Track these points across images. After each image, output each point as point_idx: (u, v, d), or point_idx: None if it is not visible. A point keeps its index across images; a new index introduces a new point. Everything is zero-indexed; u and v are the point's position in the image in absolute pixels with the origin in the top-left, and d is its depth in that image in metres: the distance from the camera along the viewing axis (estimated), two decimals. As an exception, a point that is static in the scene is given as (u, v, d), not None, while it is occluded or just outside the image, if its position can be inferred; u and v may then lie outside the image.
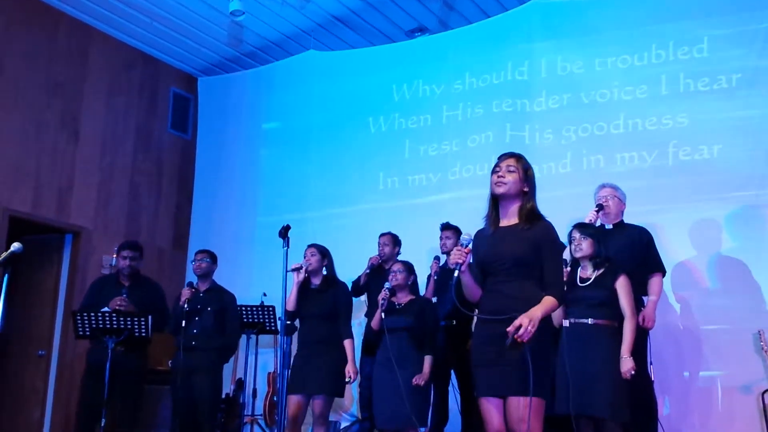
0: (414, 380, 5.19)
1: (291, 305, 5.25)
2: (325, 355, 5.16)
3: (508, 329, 3.15)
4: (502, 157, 3.52)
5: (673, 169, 6.27)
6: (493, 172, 3.49)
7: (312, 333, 5.21)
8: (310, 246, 5.47)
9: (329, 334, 5.24)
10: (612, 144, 6.60)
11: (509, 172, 3.44)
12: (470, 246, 3.37)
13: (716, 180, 6.04)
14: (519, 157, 3.51)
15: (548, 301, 3.28)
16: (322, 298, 5.31)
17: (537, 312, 3.20)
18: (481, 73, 7.44)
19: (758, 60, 6.09)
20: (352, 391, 7.15)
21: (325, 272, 5.41)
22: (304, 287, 5.35)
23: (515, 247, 3.36)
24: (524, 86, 7.18)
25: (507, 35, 7.37)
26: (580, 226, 4.80)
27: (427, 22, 8.12)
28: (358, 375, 5.30)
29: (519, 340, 3.13)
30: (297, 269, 5.25)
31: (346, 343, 5.26)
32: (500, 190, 3.43)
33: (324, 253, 5.45)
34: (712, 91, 6.24)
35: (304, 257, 5.38)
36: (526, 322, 3.14)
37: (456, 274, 3.34)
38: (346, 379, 5.19)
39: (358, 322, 7.22)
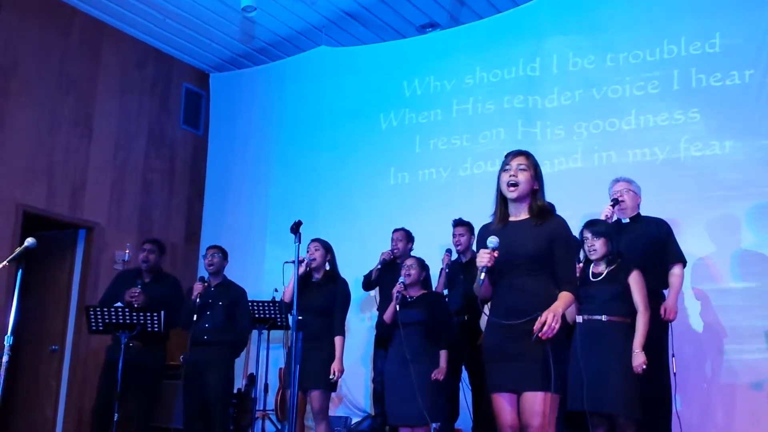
0: (432, 375, 5.18)
1: (288, 296, 5.26)
2: (320, 350, 5.14)
3: (535, 327, 3.14)
4: (512, 156, 3.45)
5: (684, 165, 6.24)
6: (503, 170, 3.43)
7: (308, 327, 5.15)
8: (314, 240, 5.45)
9: (325, 329, 5.23)
10: (623, 140, 6.58)
11: (521, 170, 3.38)
12: (497, 249, 3.29)
13: (728, 176, 6.01)
14: (528, 155, 3.45)
15: (566, 296, 3.27)
16: (321, 293, 5.31)
17: (559, 307, 3.19)
18: (492, 69, 7.43)
19: (771, 55, 6.06)
20: (365, 386, 7.17)
21: (327, 267, 5.41)
22: (305, 280, 5.33)
23: (530, 243, 3.32)
24: (535, 82, 7.16)
25: (518, 31, 7.36)
26: (591, 225, 4.76)
27: (438, 17, 8.11)
28: (343, 372, 5.27)
29: (544, 337, 3.13)
30: (299, 262, 5.23)
31: (337, 339, 5.25)
32: (514, 194, 3.38)
33: (327, 248, 5.45)
34: (724, 87, 6.20)
35: (308, 251, 5.37)
36: (551, 318, 3.13)
37: (482, 276, 3.27)
38: (330, 376, 5.18)
39: (369, 317, 7.26)
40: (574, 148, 6.76)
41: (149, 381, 6.00)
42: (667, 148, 6.35)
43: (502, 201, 3.47)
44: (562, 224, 3.41)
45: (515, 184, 3.37)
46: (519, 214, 3.43)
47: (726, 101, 6.16)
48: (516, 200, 3.41)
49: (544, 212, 3.40)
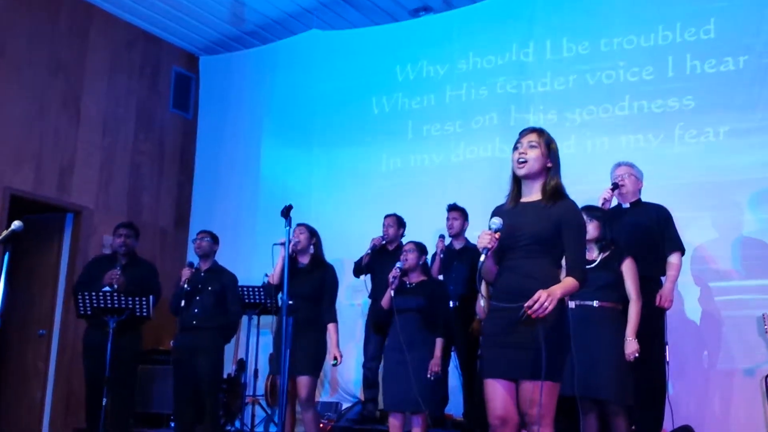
0: (429, 369, 5.13)
1: (275, 279, 5.23)
2: (307, 336, 5.12)
3: (527, 303, 3.02)
4: (523, 133, 3.37)
5: (679, 152, 6.23)
6: (514, 149, 3.34)
7: (295, 312, 5.09)
8: (299, 224, 5.42)
9: (313, 315, 5.22)
10: (617, 126, 6.57)
11: (531, 147, 3.29)
12: (500, 231, 3.20)
13: (723, 163, 6.00)
14: (541, 132, 3.35)
15: (569, 281, 3.15)
16: (309, 278, 5.28)
17: (557, 290, 3.07)
18: (485, 54, 7.39)
19: (765, 41, 6.04)
20: (356, 372, 7.16)
21: (312, 251, 5.38)
22: (291, 266, 5.23)
23: (535, 224, 3.22)
24: (529, 67, 7.14)
25: (512, 15, 7.33)
26: (586, 209, 4.75)
27: (431, 1, 8.04)
28: (343, 356, 5.31)
29: (534, 315, 3.02)
30: (284, 243, 5.18)
31: (331, 327, 5.26)
32: (522, 171, 3.29)
33: (313, 233, 5.43)
34: (719, 73, 6.19)
35: (293, 235, 5.33)
36: (545, 297, 3.01)
37: (482, 258, 3.17)
38: (332, 362, 5.19)
39: (359, 303, 7.23)
40: (567, 133, 6.70)
41: (125, 366, 5.94)
42: (661, 135, 6.34)
43: (515, 181, 3.39)
44: (573, 207, 3.29)
45: (524, 161, 3.29)
46: (532, 194, 3.34)
47: (720, 87, 6.15)
48: (527, 178, 3.33)
49: (557, 193, 3.29)
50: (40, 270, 7.74)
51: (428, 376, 5.10)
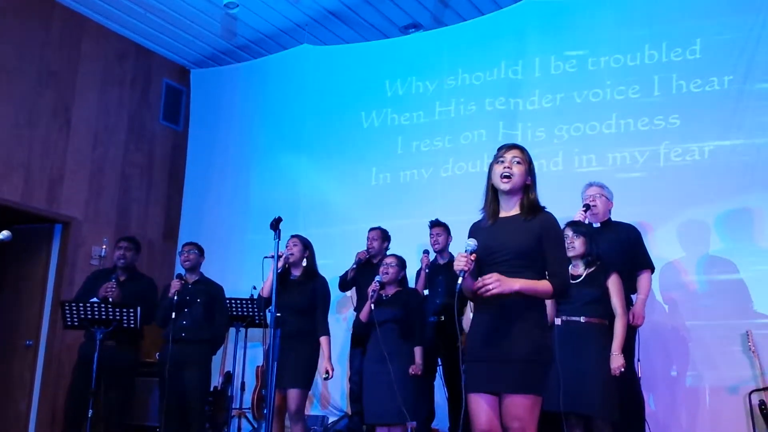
0: (411, 371, 5.19)
1: (266, 292, 5.17)
2: (299, 348, 5.10)
3: (476, 283, 3.11)
4: (506, 148, 3.35)
5: (664, 170, 6.29)
6: (497, 162, 3.32)
7: (287, 325, 5.05)
8: (293, 236, 5.42)
9: (305, 327, 5.19)
10: (604, 144, 6.62)
11: (516, 163, 3.28)
12: (475, 252, 3.15)
13: (707, 181, 6.07)
14: (523, 149, 3.36)
15: (541, 283, 3.15)
16: (301, 290, 5.26)
17: (514, 282, 3.10)
18: (474, 71, 7.46)
19: (750, 62, 6.12)
20: (341, 386, 7.16)
21: (305, 264, 5.36)
22: (283, 278, 5.25)
23: (517, 239, 3.22)
24: (517, 85, 7.19)
25: (501, 33, 7.39)
26: (573, 225, 4.80)
27: (421, 18, 8.12)
28: (334, 370, 5.28)
29: (483, 294, 3.09)
30: (278, 257, 5.15)
31: (323, 339, 5.22)
32: (507, 186, 3.27)
33: (306, 245, 5.41)
34: (704, 93, 6.27)
35: (287, 247, 5.32)
36: (492, 280, 3.07)
37: (459, 281, 3.12)
38: (324, 376, 5.15)
39: (344, 317, 7.24)
40: (555, 150, 6.79)
41: (124, 380, 5.95)
42: (647, 153, 6.40)
43: (493, 196, 3.37)
44: (552, 220, 3.30)
45: (509, 176, 3.27)
46: (510, 209, 3.33)
47: (706, 107, 6.22)
48: (508, 194, 3.31)
49: (535, 208, 3.30)
50: (27, 280, 7.71)
51: (410, 372, 5.18)
